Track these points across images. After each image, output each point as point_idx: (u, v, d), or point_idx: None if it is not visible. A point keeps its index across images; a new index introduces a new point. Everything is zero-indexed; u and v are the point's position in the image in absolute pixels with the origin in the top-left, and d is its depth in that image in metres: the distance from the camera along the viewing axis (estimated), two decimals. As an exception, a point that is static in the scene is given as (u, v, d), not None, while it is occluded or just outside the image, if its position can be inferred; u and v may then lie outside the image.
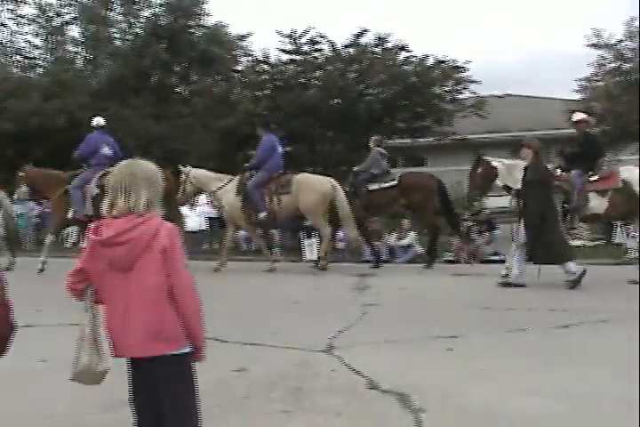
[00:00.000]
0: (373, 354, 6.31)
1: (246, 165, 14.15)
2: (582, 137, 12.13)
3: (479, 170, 12.56)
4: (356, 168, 15.24)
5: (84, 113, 23.78)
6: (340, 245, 17.88)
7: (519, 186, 11.24)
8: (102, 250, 3.32)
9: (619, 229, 18.52)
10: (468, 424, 4.41)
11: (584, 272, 10.55)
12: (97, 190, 13.24)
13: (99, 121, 14.27)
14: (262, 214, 13.59)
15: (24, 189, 14.48)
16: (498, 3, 69.71)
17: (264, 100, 22.32)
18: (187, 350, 3.35)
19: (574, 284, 10.56)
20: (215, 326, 5.82)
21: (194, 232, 18.77)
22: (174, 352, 3.30)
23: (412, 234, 17.17)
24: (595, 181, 11.60)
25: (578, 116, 12.40)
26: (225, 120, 21.65)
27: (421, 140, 23.69)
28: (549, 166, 11.82)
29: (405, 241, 17.07)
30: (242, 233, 19.13)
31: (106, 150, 13.89)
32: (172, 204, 12.64)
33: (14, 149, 22.70)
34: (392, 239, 17.08)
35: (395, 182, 14.49)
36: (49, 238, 14.24)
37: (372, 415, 4.60)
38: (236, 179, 14.07)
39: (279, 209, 13.67)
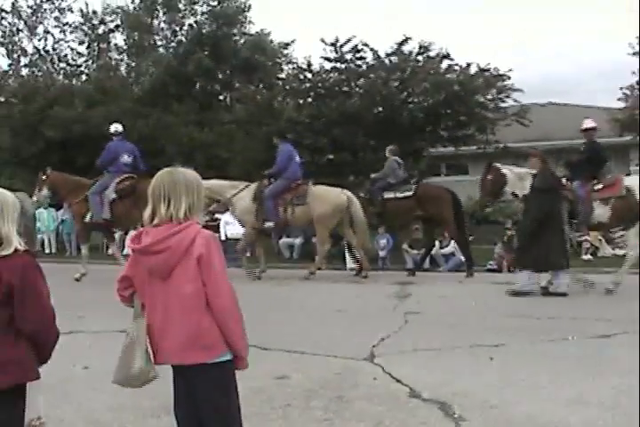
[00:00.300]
0: (415, 363, 6.32)
1: (266, 172, 14.18)
2: (589, 145, 12.05)
3: (489, 177, 12.60)
4: (373, 175, 15.30)
5: (128, 120, 24.03)
6: (382, 253, 17.89)
7: (526, 193, 11.43)
8: (141, 258, 3.36)
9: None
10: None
11: (563, 292, 10.79)
12: (114, 195, 13.45)
13: (117, 128, 14.30)
14: (269, 223, 13.72)
15: (45, 192, 14.52)
16: (542, 13, 69.10)
17: (307, 107, 22.36)
18: (227, 357, 3.36)
19: (550, 293, 10.85)
20: (257, 334, 5.87)
21: (237, 240, 18.86)
22: (214, 360, 3.31)
23: (454, 243, 17.11)
24: (599, 189, 11.52)
25: (587, 124, 12.32)
26: (268, 128, 21.72)
27: (464, 148, 23.58)
28: (559, 175, 11.83)
29: (447, 249, 17.02)
30: (284, 240, 19.24)
31: (125, 158, 13.94)
32: None
33: (58, 156, 22.97)
34: (434, 248, 17.02)
35: (410, 193, 14.50)
36: (83, 248, 14.38)
37: (412, 424, 4.61)
38: (253, 186, 14.12)
39: (292, 219, 13.78)
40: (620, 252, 18.09)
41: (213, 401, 3.37)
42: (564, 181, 11.72)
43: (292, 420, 4.75)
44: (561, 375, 5.75)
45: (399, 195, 14.52)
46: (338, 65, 22.40)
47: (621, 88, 21.77)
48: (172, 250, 3.27)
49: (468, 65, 21.72)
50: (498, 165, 12.68)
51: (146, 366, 3.38)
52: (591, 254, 18.03)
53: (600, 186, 11.51)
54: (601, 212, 11.41)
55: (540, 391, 5.29)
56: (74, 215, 15.03)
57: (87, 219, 13.94)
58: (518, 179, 12.01)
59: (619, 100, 22.25)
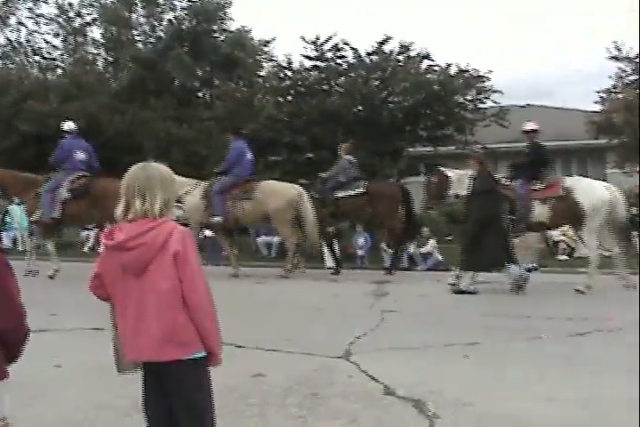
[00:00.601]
0: (390, 361, 6.32)
1: (216, 169, 14.16)
2: (532, 146, 12.27)
3: (434, 179, 12.97)
4: (323, 175, 15.37)
5: (105, 115, 23.90)
6: (360, 252, 17.91)
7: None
8: (114, 254, 3.31)
9: (636, 239, 18.43)
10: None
11: (526, 279, 11.06)
12: (67, 194, 13.31)
13: (70, 126, 14.13)
14: (217, 218, 13.72)
15: None
16: (521, 16, 69.39)
17: (286, 105, 22.34)
18: (202, 354, 3.33)
19: (517, 289, 11.01)
20: (233, 332, 5.85)
21: (214, 238, 18.82)
22: (188, 357, 3.28)
23: (432, 242, 17.18)
24: (539, 189, 11.80)
25: (529, 126, 12.63)
26: (247, 125, 21.68)
27: (442, 148, 23.66)
28: (498, 176, 12.19)
29: (425, 249, 17.07)
30: (261, 239, 19.21)
31: (79, 155, 13.78)
32: None
33: (33, 151, 22.73)
34: (412, 247, 17.06)
35: (361, 190, 14.60)
36: (49, 245, 14.04)
37: (387, 421, 4.60)
38: (205, 183, 14.15)
39: (242, 215, 13.80)
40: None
41: (187, 398, 3.34)
42: (504, 181, 12.04)
43: (267, 417, 4.73)
44: (535, 373, 5.78)
45: (351, 193, 14.63)
46: (318, 63, 22.40)
47: (598, 91, 21.91)
48: (148, 246, 3.23)
49: (448, 65, 21.83)
50: (442, 168, 13.01)
51: (127, 367, 3.40)
52: (567, 255, 18.12)
53: (540, 186, 11.81)
54: (540, 211, 11.72)
55: (515, 389, 5.30)
56: (27, 212, 14.57)
57: (34, 217, 13.77)
58: (459, 181, 12.29)
59: (595, 103, 22.41)
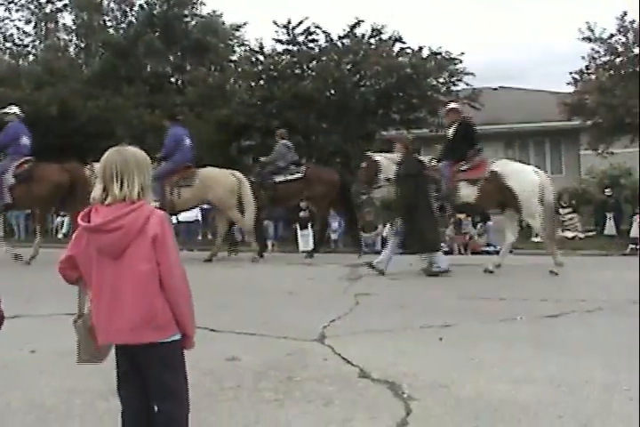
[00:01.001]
0: (365, 343, 6.33)
1: (157, 155, 14.14)
2: (457, 126, 12.26)
3: (364, 164, 13.06)
4: (262, 159, 15.53)
5: (77, 101, 23.72)
6: (334, 235, 17.93)
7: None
8: (91, 236, 3.30)
9: (610, 221, 18.63)
10: (458, 412, 4.42)
11: (446, 271, 11.28)
12: (13, 180, 13.24)
13: (16, 111, 14.02)
14: (153, 204, 13.60)
15: None
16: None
17: (259, 90, 22.25)
18: (177, 337, 3.34)
19: (433, 273, 11.18)
20: (208, 316, 5.84)
21: (189, 222, 18.79)
22: (164, 340, 3.29)
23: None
24: (464, 170, 11.86)
25: (450, 105, 12.78)
26: (220, 110, 21.58)
27: (416, 131, 23.68)
28: (426, 158, 12.34)
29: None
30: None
31: (24, 140, 13.67)
32: (78, 197, 12.71)
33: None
34: (385, 231, 17.09)
35: (300, 175, 14.73)
36: None
37: (362, 404, 4.61)
38: None
39: (179, 201, 13.78)
40: (569, 234, 18.42)
41: (162, 380, 3.35)
42: (434, 162, 12.17)
43: (241, 401, 4.72)
44: (509, 354, 5.81)
45: (289, 177, 14.75)
46: (290, 47, 22.32)
47: (571, 73, 21.96)
48: (126, 229, 3.23)
49: (420, 48, 21.82)
50: (372, 153, 13.18)
51: (93, 356, 3.38)
52: (539, 236, 18.24)
53: (466, 167, 11.87)
54: (467, 192, 11.78)
55: (489, 370, 5.33)
56: None
57: None
58: (389, 165, 12.35)
59: (568, 84, 22.46)
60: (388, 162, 12.43)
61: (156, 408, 3.37)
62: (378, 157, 12.81)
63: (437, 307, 8.31)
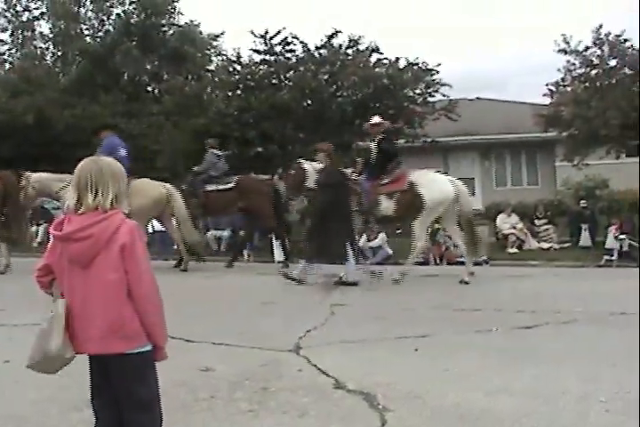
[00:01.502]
0: (340, 354, 6.31)
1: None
2: (380, 140, 12.31)
3: (293, 172, 13.10)
4: (194, 169, 15.43)
5: (54, 110, 23.61)
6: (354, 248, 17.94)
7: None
8: (62, 245, 3.30)
9: (585, 232, 18.73)
10: (434, 423, 4.42)
11: (354, 283, 11.24)
12: None
13: None
14: None
15: None
16: (471, 8, 69.95)
17: (235, 100, 22.20)
18: (147, 348, 3.32)
19: (343, 283, 11.22)
20: (182, 326, 5.81)
21: (163, 232, 18.67)
22: (134, 350, 3.27)
23: (382, 236, 17.23)
24: (385, 184, 11.93)
25: (374, 120, 12.77)
26: (197, 120, 21.53)
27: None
28: (347, 171, 12.33)
29: (375, 242, 17.12)
30: (211, 233, 19.13)
31: None
32: (11, 207, 12.81)
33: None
34: (362, 241, 17.09)
35: (231, 185, 14.67)
36: None
37: (337, 415, 4.59)
38: None
39: None
40: (545, 245, 18.51)
41: (131, 392, 3.33)
42: (354, 175, 12.22)
43: (216, 412, 4.70)
44: (485, 365, 5.81)
45: (221, 187, 14.68)
46: (267, 57, 22.31)
47: (547, 84, 22.10)
48: (95, 238, 3.22)
49: (397, 59, 21.84)
50: (302, 161, 13.02)
51: (63, 344, 3.29)
52: (517, 248, 18.33)
53: (386, 180, 11.94)
54: (387, 205, 11.84)
55: (465, 381, 5.33)
56: None
57: None
58: (316, 173, 12.31)
59: (544, 95, 22.61)
60: (314, 170, 12.42)
61: (127, 420, 3.34)
62: (306, 164, 12.73)
63: (413, 317, 8.31)
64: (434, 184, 11.74)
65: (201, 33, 27.42)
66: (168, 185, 13.85)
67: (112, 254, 3.23)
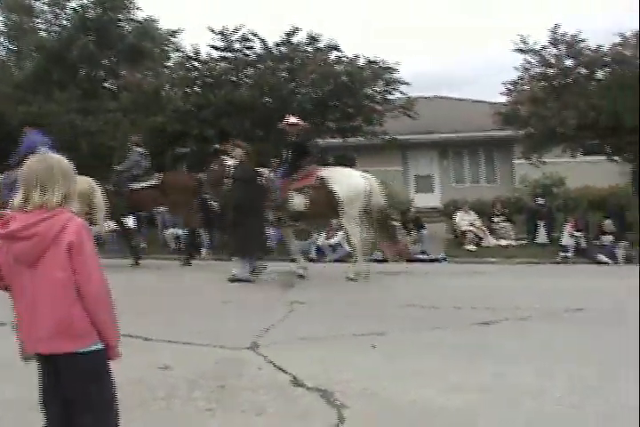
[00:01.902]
0: (299, 352, 6.31)
1: (9, 161, 13.99)
2: (294, 139, 12.53)
3: (214, 167, 13.16)
4: (118, 167, 15.40)
5: (7, 106, 23.25)
6: (270, 243, 17.86)
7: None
8: (7, 244, 3.25)
9: (542, 229, 18.91)
10: (391, 420, 4.43)
11: (248, 276, 11.48)
12: None
13: None
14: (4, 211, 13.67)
15: None
16: (432, 6, 70.21)
17: (194, 96, 22.06)
18: (98, 346, 3.28)
19: (237, 280, 11.38)
20: (140, 325, 5.77)
21: (124, 229, 18.51)
22: (84, 349, 3.24)
23: (341, 233, 17.23)
24: (295, 180, 12.08)
25: (289, 119, 12.88)
26: (155, 117, 21.34)
27: (352, 139, 23.74)
28: (261, 168, 12.58)
29: (334, 240, 17.13)
30: (169, 231, 18.99)
31: None
32: None
33: None
34: (320, 239, 17.10)
35: (155, 182, 14.67)
36: None
37: (295, 412, 4.59)
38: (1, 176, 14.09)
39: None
40: (503, 242, 18.65)
41: (84, 391, 3.28)
42: (266, 171, 12.47)
43: (174, 410, 4.67)
44: (442, 362, 5.85)
45: (144, 184, 14.67)
46: (226, 54, 22.20)
47: (504, 83, 22.27)
48: (41, 236, 3.18)
49: (357, 57, 21.86)
50: (224, 157, 13.07)
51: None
52: (475, 245, 18.43)
53: (297, 177, 12.09)
54: (298, 201, 11.97)
55: (422, 378, 5.35)
56: None
57: None
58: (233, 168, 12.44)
59: (501, 94, 22.79)
60: (233, 166, 12.49)
61: (79, 423, 3.30)
62: (228, 160, 12.76)
63: (371, 315, 8.33)
64: (345, 179, 11.83)
65: (159, 29, 27.15)
66: (90, 180, 13.70)
67: (59, 253, 3.19)
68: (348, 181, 11.75)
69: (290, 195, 11.93)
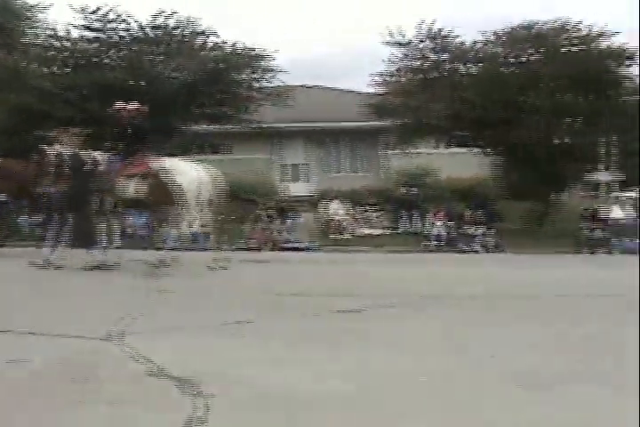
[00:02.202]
0: (163, 341, 6.14)
1: None
2: (127, 125, 12.54)
3: (36, 157, 12.82)
4: None
5: None
6: (141, 232, 17.60)
7: None
8: None
9: (409, 219, 19.32)
10: (259, 409, 4.35)
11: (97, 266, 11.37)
12: None
13: None
14: None
15: None
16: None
17: (60, 77, 21.34)
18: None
19: (92, 268, 11.32)
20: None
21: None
22: None
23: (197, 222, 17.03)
24: (127, 166, 12.06)
25: (118, 105, 12.81)
26: (15, 95, 20.50)
27: (225, 127, 23.57)
28: (94, 154, 12.32)
29: (194, 229, 16.90)
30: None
31: None
32: None
33: None
34: (183, 227, 16.85)
35: None
36: None
37: (160, 403, 4.43)
38: None
39: None
40: (373, 231, 18.93)
41: None
42: (99, 157, 12.26)
43: (33, 405, 4.42)
44: (312, 349, 5.83)
45: None
46: (95, 34, 21.56)
47: (372, 74, 22.62)
48: None
49: (234, 44, 21.65)
50: (45, 147, 12.74)
51: None
52: (346, 234, 18.59)
53: (129, 163, 12.07)
54: (131, 189, 11.90)
55: (291, 366, 5.30)
56: None
57: None
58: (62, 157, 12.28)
59: (369, 85, 23.18)
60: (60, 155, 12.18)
61: None
62: (51, 149, 12.31)
63: (238, 303, 8.26)
64: (185, 171, 11.83)
65: (22, 5, 26.08)
66: None
67: None
68: (188, 174, 11.73)
69: (123, 182, 11.73)
